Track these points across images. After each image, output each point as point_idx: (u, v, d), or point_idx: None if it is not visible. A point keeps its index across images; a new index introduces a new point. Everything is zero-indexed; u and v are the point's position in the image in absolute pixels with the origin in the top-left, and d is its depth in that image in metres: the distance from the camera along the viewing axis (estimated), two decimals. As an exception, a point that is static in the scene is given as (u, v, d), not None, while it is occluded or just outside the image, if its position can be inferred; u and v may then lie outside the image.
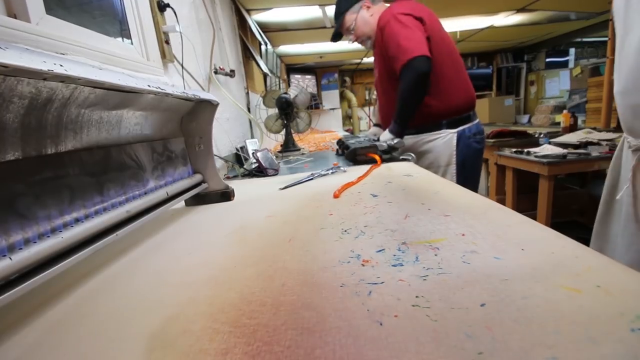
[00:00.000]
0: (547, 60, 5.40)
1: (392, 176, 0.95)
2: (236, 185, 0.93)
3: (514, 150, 2.46)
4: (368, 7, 1.43)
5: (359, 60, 5.38)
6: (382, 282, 0.38)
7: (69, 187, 0.45)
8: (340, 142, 1.55)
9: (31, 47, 0.55)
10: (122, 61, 0.83)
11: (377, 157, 1.20)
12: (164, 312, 0.36)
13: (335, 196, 0.78)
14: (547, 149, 2.30)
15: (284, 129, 1.81)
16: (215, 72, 1.54)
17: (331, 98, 5.84)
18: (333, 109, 5.84)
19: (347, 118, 6.01)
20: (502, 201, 2.31)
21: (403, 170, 1.03)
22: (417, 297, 0.34)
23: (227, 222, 0.67)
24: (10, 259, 0.33)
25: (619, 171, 0.76)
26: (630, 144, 0.66)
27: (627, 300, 0.30)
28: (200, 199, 0.84)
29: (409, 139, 1.42)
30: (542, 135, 2.78)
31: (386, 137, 1.34)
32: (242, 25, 2.33)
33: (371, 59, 5.18)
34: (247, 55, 2.38)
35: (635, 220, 0.69)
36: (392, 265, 0.41)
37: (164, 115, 0.71)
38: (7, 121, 0.36)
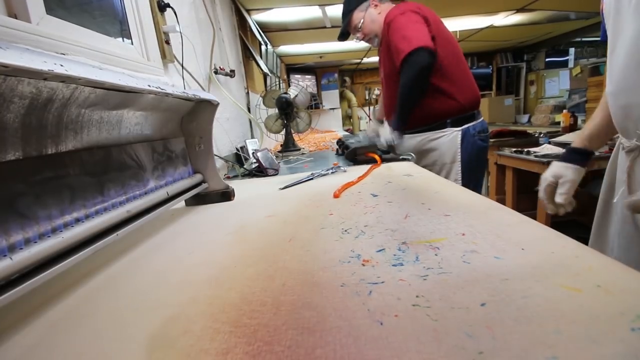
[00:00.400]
0: (547, 60, 5.39)
1: (392, 176, 0.95)
2: (236, 185, 0.93)
3: (513, 150, 2.46)
4: (376, 6, 1.43)
5: (358, 60, 5.38)
6: (382, 282, 0.38)
7: (70, 187, 0.45)
8: (340, 142, 1.55)
9: (31, 47, 0.55)
10: (122, 61, 0.83)
11: (377, 157, 1.20)
12: (165, 312, 0.36)
13: (336, 196, 0.78)
14: (547, 149, 2.30)
15: (284, 129, 1.81)
16: (215, 72, 1.54)
17: (331, 98, 5.84)
18: (333, 109, 5.84)
19: (347, 118, 6.01)
20: (502, 201, 2.31)
21: (403, 170, 1.03)
22: (417, 296, 0.34)
23: (228, 222, 0.67)
24: (11, 258, 0.33)
25: (615, 173, 0.76)
26: (624, 145, 0.66)
27: (628, 300, 0.30)
28: (201, 199, 0.84)
29: (413, 138, 1.42)
30: (542, 135, 2.79)
31: (387, 133, 1.34)
32: (242, 25, 2.33)
33: (371, 59, 5.19)
34: (247, 55, 2.38)
35: (632, 222, 0.69)
36: (393, 265, 0.41)
37: (164, 115, 0.71)
38: (7, 121, 0.36)
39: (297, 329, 0.31)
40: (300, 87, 1.79)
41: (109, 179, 0.53)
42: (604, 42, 0.68)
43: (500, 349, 0.26)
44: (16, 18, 0.56)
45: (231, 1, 2.11)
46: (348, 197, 0.77)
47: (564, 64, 5.37)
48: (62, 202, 0.43)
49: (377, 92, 5.60)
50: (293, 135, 1.83)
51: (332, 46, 4.00)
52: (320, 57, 4.68)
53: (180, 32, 1.12)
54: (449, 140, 1.36)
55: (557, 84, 5.21)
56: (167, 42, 1.09)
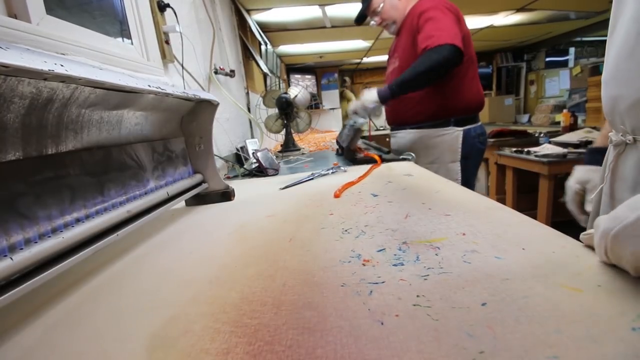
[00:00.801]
0: (547, 59, 5.39)
1: (393, 176, 0.95)
2: (236, 185, 0.93)
3: (514, 149, 2.46)
4: None
5: (358, 60, 5.38)
6: (383, 282, 0.38)
7: (70, 187, 0.45)
8: (337, 142, 1.56)
9: (32, 47, 0.55)
10: (122, 61, 0.83)
11: (377, 157, 1.20)
12: (165, 312, 0.36)
13: (336, 196, 0.78)
14: (547, 149, 2.30)
15: (284, 129, 1.81)
16: (215, 72, 1.54)
17: (331, 98, 5.83)
18: (333, 108, 5.83)
19: (347, 118, 6.00)
20: (502, 201, 2.31)
21: (403, 169, 1.03)
22: (418, 296, 0.34)
23: (228, 222, 0.67)
24: (11, 259, 0.33)
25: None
26: (612, 138, 0.60)
27: (628, 300, 0.30)
28: (201, 199, 0.84)
29: (415, 133, 1.42)
30: (542, 135, 2.79)
31: (370, 97, 1.27)
32: (242, 25, 2.33)
33: (371, 59, 5.18)
34: (247, 55, 2.38)
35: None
36: (393, 265, 0.41)
37: (164, 115, 0.71)
38: (8, 121, 0.36)
39: (297, 329, 0.31)
40: (300, 87, 1.79)
41: (109, 179, 0.53)
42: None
43: (501, 348, 0.26)
44: (16, 18, 0.56)
45: (231, 1, 2.11)
46: (348, 197, 0.77)
47: (564, 64, 5.37)
48: (63, 202, 0.43)
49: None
50: (293, 135, 1.83)
51: (332, 46, 4.00)
52: (320, 57, 4.68)
53: (180, 32, 1.12)
54: (450, 139, 1.37)
55: (557, 84, 5.20)
56: (167, 42, 1.09)
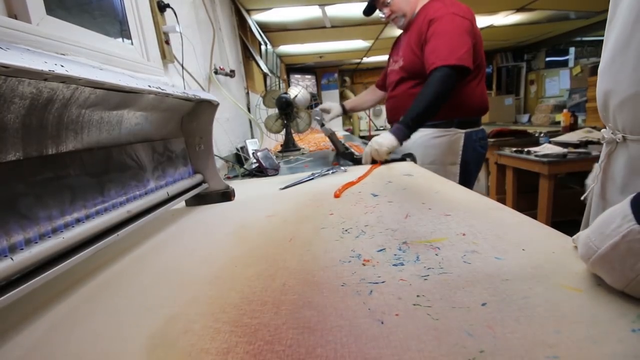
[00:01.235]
0: (547, 59, 5.39)
1: (393, 176, 0.95)
2: (236, 185, 0.93)
3: (514, 149, 2.46)
4: None
5: (358, 60, 5.38)
6: (383, 282, 0.38)
7: (70, 187, 0.45)
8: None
9: (32, 47, 0.55)
10: (122, 61, 0.83)
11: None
12: (165, 312, 0.36)
13: (336, 196, 0.78)
14: (547, 148, 2.30)
15: (284, 129, 1.81)
16: (215, 72, 1.54)
17: (331, 98, 5.83)
18: (333, 109, 5.83)
19: (347, 118, 6.01)
20: (502, 201, 2.31)
21: (403, 169, 1.03)
22: (418, 296, 0.34)
23: (228, 222, 0.67)
24: (12, 259, 0.33)
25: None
26: (604, 135, 0.58)
27: (628, 300, 0.30)
28: (201, 199, 0.84)
29: (415, 134, 1.40)
30: (542, 135, 2.79)
31: (388, 143, 1.15)
32: (242, 25, 2.33)
33: (371, 59, 5.18)
34: (247, 55, 2.38)
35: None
36: (393, 265, 0.42)
37: (165, 115, 0.71)
38: (8, 121, 0.36)
39: (297, 329, 0.31)
40: (300, 87, 1.79)
41: (109, 179, 0.53)
42: None
43: (501, 348, 0.26)
44: (16, 18, 0.56)
45: (231, 1, 2.11)
46: (348, 197, 0.77)
47: (564, 64, 5.37)
48: (63, 203, 0.43)
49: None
50: (293, 135, 1.83)
51: (332, 46, 4.00)
52: (320, 57, 4.68)
53: (180, 32, 1.12)
54: (452, 141, 1.36)
55: (558, 84, 5.20)
56: (167, 42, 1.09)
